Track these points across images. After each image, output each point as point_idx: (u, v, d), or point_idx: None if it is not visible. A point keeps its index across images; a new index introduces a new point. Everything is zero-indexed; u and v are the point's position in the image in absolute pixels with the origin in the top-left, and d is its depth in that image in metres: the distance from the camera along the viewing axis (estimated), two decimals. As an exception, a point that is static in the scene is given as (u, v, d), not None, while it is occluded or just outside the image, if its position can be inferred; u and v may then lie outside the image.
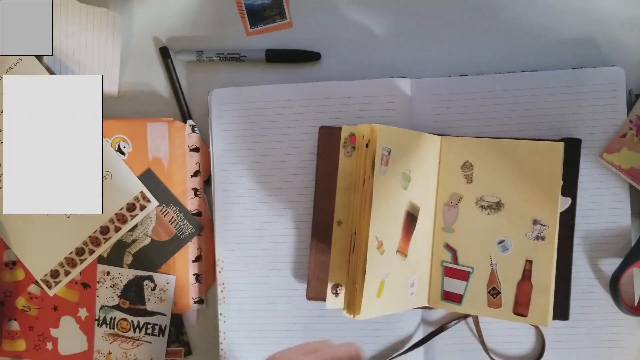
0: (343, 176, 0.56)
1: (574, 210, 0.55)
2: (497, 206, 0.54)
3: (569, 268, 0.55)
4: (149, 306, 0.61)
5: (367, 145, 0.51)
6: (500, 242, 0.53)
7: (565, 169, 0.53)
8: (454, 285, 0.55)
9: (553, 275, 0.53)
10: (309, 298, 0.58)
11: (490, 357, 0.57)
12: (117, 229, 0.61)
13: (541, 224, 0.53)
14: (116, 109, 0.62)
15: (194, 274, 0.61)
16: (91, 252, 0.61)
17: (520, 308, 0.53)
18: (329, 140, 0.57)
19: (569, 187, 0.55)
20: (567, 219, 0.55)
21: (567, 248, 0.55)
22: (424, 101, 0.58)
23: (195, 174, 0.61)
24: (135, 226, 0.61)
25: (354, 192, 0.54)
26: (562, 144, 0.52)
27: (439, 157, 0.56)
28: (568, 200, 0.55)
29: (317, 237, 0.58)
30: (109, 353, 0.62)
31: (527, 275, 0.53)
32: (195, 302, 0.61)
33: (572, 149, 0.55)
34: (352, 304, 0.52)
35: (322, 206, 0.58)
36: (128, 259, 0.61)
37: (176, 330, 0.61)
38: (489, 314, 0.54)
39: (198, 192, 0.61)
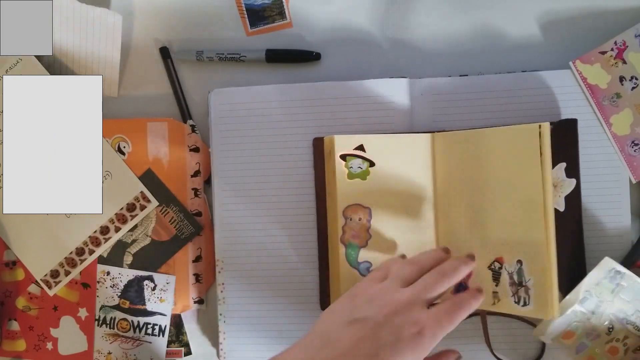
0: (327, 185, 0.57)
1: (579, 191, 0.55)
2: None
3: (582, 252, 0.55)
4: (149, 306, 0.61)
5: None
6: None
7: (566, 150, 0.53)
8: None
9: (553, 265, 0.52)
10: (324, 309, 0.58)
11: (495, 356, 0.57)
12: (117, 229, 0.61)
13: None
14: (116, 109, 0.62)
15: (194, 274, 0.61)
16: (91, 252, 0.61)
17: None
18: (322, 150, 0.58)
19: (572, 168, 0.55)
20: (574, 200, 0.55)
21: (578, 231, 0.55)
22: (424, 101, 0.58)
23: (195, 174, 0.61)
24: (135, 226, 0.61)
25: (330, 200, 0.56)
26: (536, 125, 0.50)
27: (431, 154, 0.56)
28: (573, 182, 0.55)
29: (322, 247, 0.58)
30: (109, 353, 0.62)
31: None
32: (195, 302, 0.61)
33: (569, 129, 0.55)
34: None
35: (323, 216, 0.58)
36: (128, 259, 0.61)
37: (176, 330, 0.61)
38: (500, 308, 0.53)
39: (198, 192, 0.61)
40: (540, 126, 0.50)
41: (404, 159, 0.55)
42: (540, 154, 0.49)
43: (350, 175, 0.53)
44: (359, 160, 0.54)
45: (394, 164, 0.54)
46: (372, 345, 0.40)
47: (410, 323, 0.41)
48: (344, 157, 0.54)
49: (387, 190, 0.54)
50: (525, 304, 0.51)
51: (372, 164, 0.54)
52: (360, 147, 0.54)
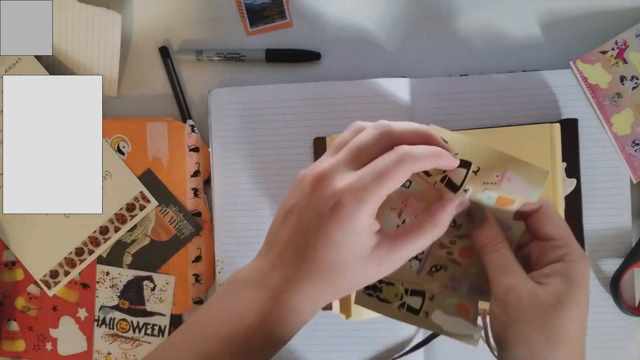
0: None
1: (579, 191, 0.55)
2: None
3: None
4: (149, 306, 0.61)
5: None
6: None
7: (566, 150, 0.53)
8: None
9: None
10: (324, 308, 0.58)
11: (496, 356, 0.56)
12: (117, 229, 0.61)
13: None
14: (116, 109, 0.62)
15: (193, 274, 0.61)
16: (91, 252, 0.61)
17: None
18: (323, 150, 0.57)
19: (572, 168, 0.55)
20: (574, 200, 0.55)
21: (578, 231, 0.55)
22: (424, 101, 0.58)
23: (195, 174, 0.61)
24: (135, 226, 0.61)
25: None
26: (547, 126, 0.52)
27: None
28: (573, 182, 0.55)
29: None
30: (109, 353, 0.61)
31: None
32: (195, 302, 0.61)
33: (570, 129, 0.55)
34: (344, 306, 0.52)
35: None
36: (128, 259, 0.61)
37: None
38: None
39: (198, 192, 0.61)
40: (551, 127, 0.50)
41: None
42: (551, 154, 0.50)
43: None
44: None
45: None
46: (300, 234, 0.36)
47: (328, 196, 0.36)
48: None
49: (394, 192, 0.54)
50: None
51: None
52: None
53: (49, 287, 0.62)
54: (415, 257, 0.41)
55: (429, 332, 0.57)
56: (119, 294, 0.61)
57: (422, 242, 0.38)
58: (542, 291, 0.36)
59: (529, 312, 0.36)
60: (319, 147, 0.58)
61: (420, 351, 0.57)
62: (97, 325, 0.62)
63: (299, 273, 0.36)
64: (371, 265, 0.36)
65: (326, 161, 0.38)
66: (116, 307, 0.61)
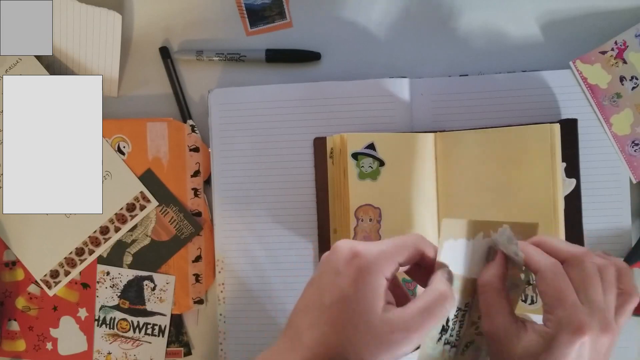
0: (332, 185, 0.56)
1: (579, 191, 0.55)
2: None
3: None
4: (149, 306, 0.61)
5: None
6: None
7: (566, 150, 0.53)
8: None
9: None
10: None
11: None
12: (117, 229, 0.61)
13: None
14: (116, 109, 0.62)
15: (193, 274, 0.61)
16: (91, 252, 0.61)
17: None
18: (323, 150, 0.57)
19: (572, 168, 0.55)
20: (574, 200, 0.55)
21: (577, 231, 0.55)
22: (424, 101, 0.58)
23: (195, 174, 0.61)
24: (135, 226, 0.61)
25: (337, 200, 0.55)
26: (547, 126, 0.52)
27: (434, 154, 0.56)
28: (573, 182, 0.55)
29: (322, 247, 0.58)
30: (109, 353, 0.61)
31: None
32: (195, 302, 0.61)
33: (569, 129, 0.55)
34: None
35: (323, 216, 0.58)
36: (128, 259, 0.61)
37: (176, 330, 0.61)
38: None
39: (198, 192, 0.61)
40: (551, 127, 0.51)
41: (411, 158, 0.55)
42: (551, 154, 0.51)
43: (362, 175, 0.53)
44: (370, 160, 0.53)
45: (402, 164, 0.54)
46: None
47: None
48: (355, 156, 0.53)
49: (396, 190, 0.54)
50: (532, 302, 0.51)
51: (381, 163, 0.54)
52: (371, 146, 0.54)
53: (49, 287, 0.62)
54: (449, 344, 0.41)
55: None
56: (119, 293, 0.61)
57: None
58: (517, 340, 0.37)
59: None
60: (319, 147, 0.58)
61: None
62: (98, 325, 0.62)
63: None
64: None
65: None
66: (116, 307, 0.61)
